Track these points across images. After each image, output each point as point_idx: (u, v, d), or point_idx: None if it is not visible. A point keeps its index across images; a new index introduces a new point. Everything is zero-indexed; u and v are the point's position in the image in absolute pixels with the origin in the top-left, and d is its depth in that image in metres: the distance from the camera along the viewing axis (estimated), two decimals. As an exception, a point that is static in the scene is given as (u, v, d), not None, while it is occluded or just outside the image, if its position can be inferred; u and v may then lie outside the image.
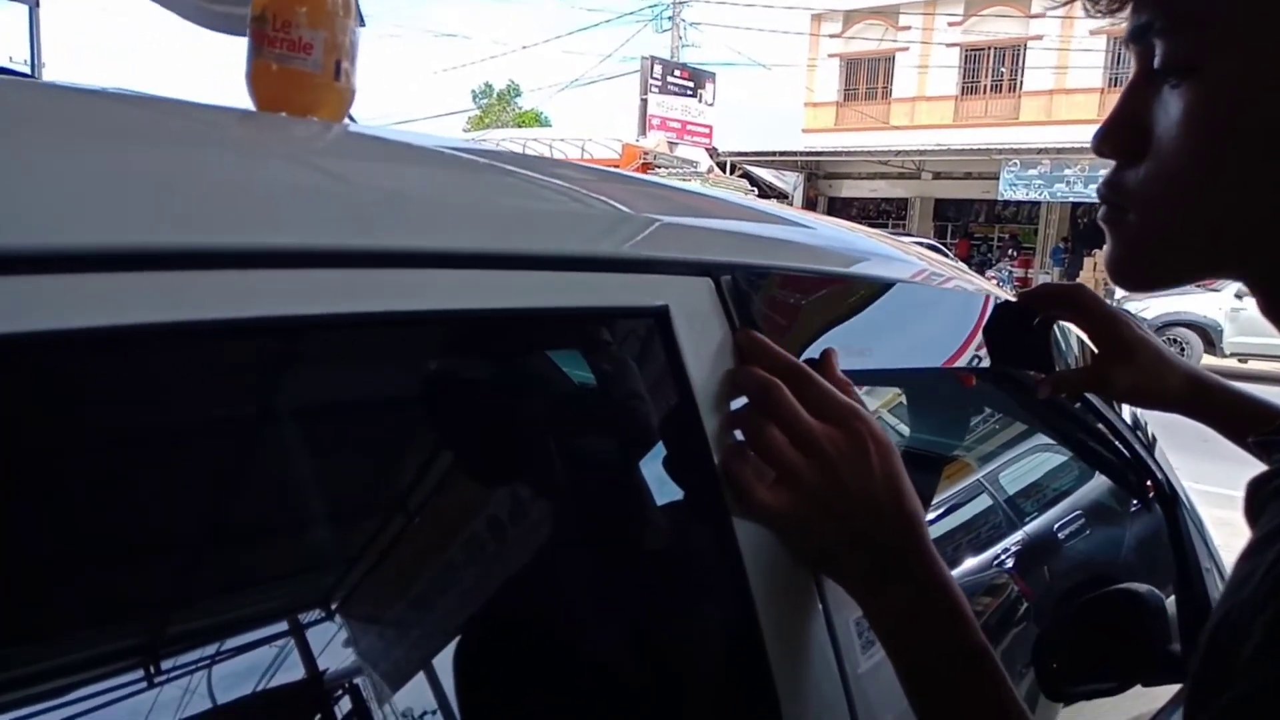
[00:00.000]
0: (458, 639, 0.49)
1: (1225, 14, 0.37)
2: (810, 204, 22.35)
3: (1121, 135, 0.43)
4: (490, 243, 0.49)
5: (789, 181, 22.65)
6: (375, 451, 0.49)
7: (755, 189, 18.48)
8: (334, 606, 0.44)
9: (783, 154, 21.73)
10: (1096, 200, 0.45)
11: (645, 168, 15.02)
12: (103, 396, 0.37)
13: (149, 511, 0.39)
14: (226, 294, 0.38)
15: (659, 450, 0.60)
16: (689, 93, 18.73)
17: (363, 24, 0.58)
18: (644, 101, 17.79)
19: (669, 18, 20.86)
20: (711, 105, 19.27)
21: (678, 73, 18.81)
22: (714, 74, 19.42)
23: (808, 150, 21.86)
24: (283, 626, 0.42)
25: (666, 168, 15.48)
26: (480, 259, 0.49)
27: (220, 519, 0.42)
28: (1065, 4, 0.48)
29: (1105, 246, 0.45)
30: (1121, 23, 0.43)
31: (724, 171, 18.21)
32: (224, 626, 0.40)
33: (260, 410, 0.44)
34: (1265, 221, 0.38)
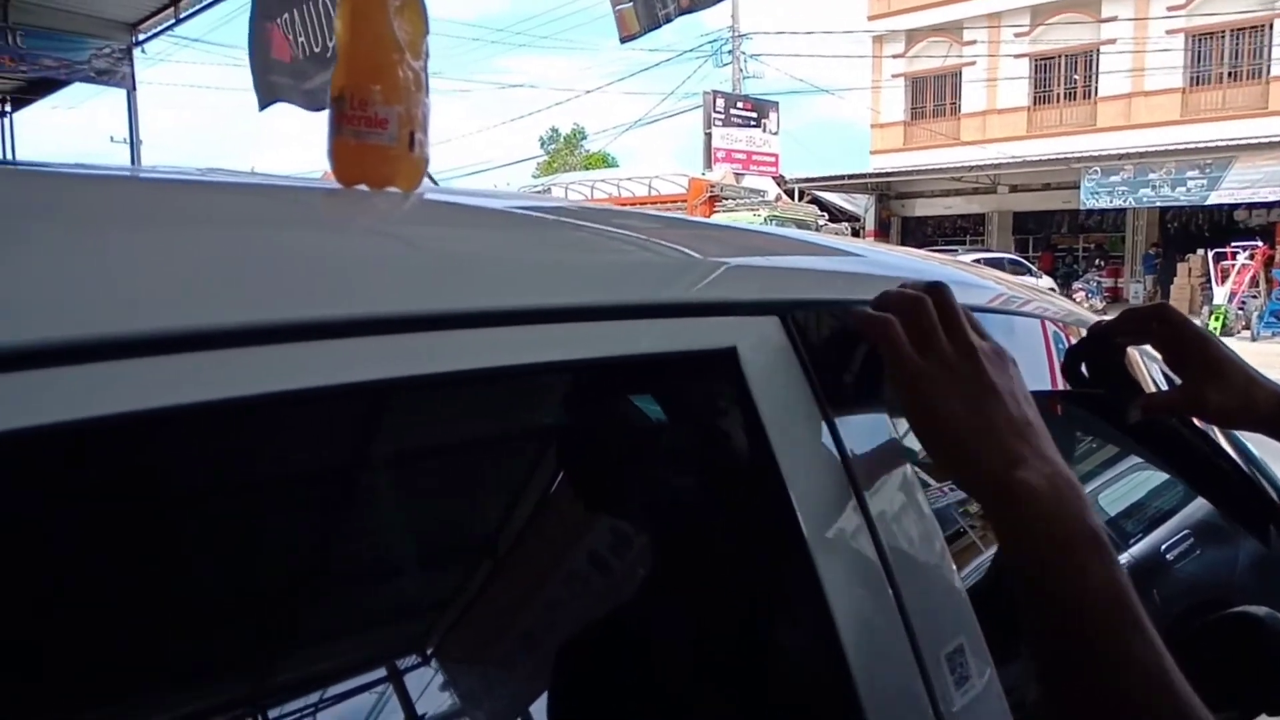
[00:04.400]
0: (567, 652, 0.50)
1: None
2: (883, 225, 22.08)
3: None
4: (564, 298, 0.51)
5: (860, 204, 22.43)
6: (478, 498, 0.52)
7: (826, 214, 18.35)
8: (432, 649, 0.45)
9: (851, 177, 21.55)
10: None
11: (713, 200, 15.07)
12: (225, 465, 0.40)
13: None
14: (327, 362, 0.40)
15: (734, 488, 0.60)
16: (752, 123, 18.81)
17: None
18: (708, 135, 17.94)
19: (728, 52, 21.05)
20: (776, 134, 19.31)
21: (740, 104, 18.93)
22: (777, 103, 19.48)
23: (877, 172, 21.63)
24: (387, 669, 0.44)
25: (734, 199, 15.52)
26: (554, 314, 0.50)
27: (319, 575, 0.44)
28: None
29: None
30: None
31: (792, 198, 18.14)
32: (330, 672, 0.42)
33: (375, 463, 0.46)
34: None
